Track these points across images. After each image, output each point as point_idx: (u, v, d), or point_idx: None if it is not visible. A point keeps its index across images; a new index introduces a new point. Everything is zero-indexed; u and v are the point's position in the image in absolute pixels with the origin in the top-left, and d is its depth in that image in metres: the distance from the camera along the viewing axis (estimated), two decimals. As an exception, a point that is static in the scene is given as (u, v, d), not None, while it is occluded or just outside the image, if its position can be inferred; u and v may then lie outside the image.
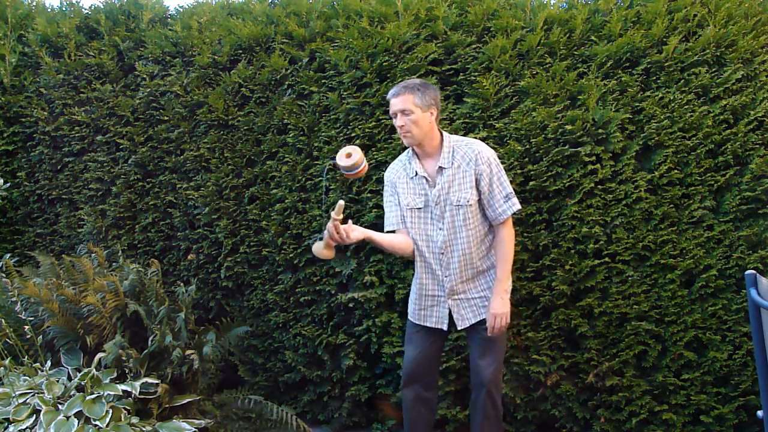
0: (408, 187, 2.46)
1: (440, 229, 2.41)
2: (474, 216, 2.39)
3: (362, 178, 2.30)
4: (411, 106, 2.31)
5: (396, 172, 2.51)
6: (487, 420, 2.45)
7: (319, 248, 2.29)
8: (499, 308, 2.37)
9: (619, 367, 2.87)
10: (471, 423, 2.53)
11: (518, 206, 2.41)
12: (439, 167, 2.39)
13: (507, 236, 2.42)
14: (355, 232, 2.27)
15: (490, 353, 2.43)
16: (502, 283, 2.39)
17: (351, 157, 2.23)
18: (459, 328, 2.48)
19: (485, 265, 2.46)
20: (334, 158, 2.27)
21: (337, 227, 2.20)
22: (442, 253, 2.42)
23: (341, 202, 2.17)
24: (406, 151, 2.51)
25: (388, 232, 2.50)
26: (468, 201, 2.36)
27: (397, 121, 2.35)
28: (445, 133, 2.44)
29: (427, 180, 2.42)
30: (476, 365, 2.45)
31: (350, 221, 2.28)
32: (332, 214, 2.19)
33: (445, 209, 2.39)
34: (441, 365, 2.93)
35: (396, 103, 2.34)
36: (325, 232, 2.24)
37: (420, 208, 2.44)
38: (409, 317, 2.58)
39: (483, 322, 2.43)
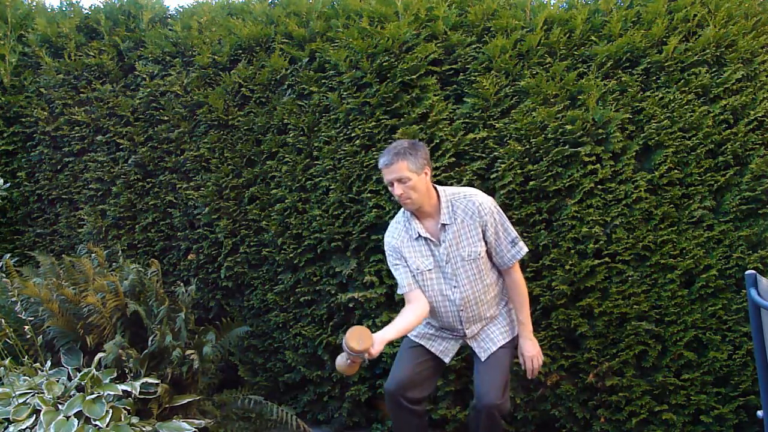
0: (414, 250, 2.40)
1: (455, 286, 2.38)
2: (485, 266, 2.38)
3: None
4: (407, 173, 2.25)
5: (399, 237, 2.42)
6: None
7: (343, 365, 2.20)
8: (532, 350, 2.43)
9: (619, 367, 2.87)
10: (468, 429, 2.50)
11: (526, 250, 2.40)
12: (442, 225, 2.34)
13: (519, 279, 2.42)
14: (377, 347, 2.18)
15: (497, 374, 2.38)
16: (526, 326, 2.42)
17: (360, 344, 2.11)
18: (483, 360, 2.43)
19: (501, 304, 2.49)
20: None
21: (371, 355, 2.14)
22: (462, 310, 2.40)
23: (370, 335, 2.12)
24: (402, 210, 2.44)
25: (401, 294, 2.45)
26: (479, 254, 2.34)
27: (395, 190, 2.29)
28: (439, 188, 2.38)
29: (431, 241, 2.37)
30: (482, 388, 2.37)
31: (373, 336, 2.16)
32: (372, 350, 2.12)
33: (458, 266, 2.36)
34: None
35: (390, 173, 2.28)
36: (347, 357, 2.15)
37: (430, 270, 2.39)
38: (409, 335, 2.50)
39: (500, 346, 2.43)
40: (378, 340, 2.18)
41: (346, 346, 2.12)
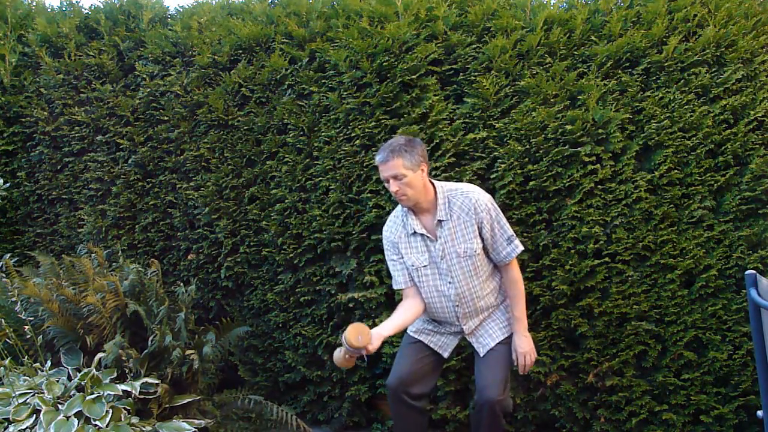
0: (410, 246, 2.41)
1: (450, 282, 2.38)
2: (482, 263, 2.38)
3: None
4: (402, 170, 2.25)
5: (396, 232, 2.44)
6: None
7: (340, 359, 2.26)
8: (525, 347, 2.42)
9: (619, 367, 2.87)
10: (471, 428, 2.51)
11: (521, 248, 2.40)
12: (438, 221, 2.35)
13: (516, 275, 2.42)
14: (375, 343, 2.23)
15: (498, 370, 2.40)
16: (521, 322, 2.41)
17: (359, 339, 2.17)
18: (482, 356, 2.45)
19: (498, 300, 2.48)
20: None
21: (369, 351, 2.19)
22: (458, 306, 2.40)
23: (367, 331, 2.17)
24: (398, 206, 2.45)
25: (397, 290, 2.50)
26: (475, 250, 2.35)
27: (391, 187, 2.30)
28: (436, 184, 2.39)
29: (427, 237, 2.38)
30: (483, 383, 2.39)
31: (371, 332, 2.22)
32: (370, 346, 2.18)
33: (453, 262, 2.36)
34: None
35: (386, 170, 2.28)
36: (344, 351, 2.20)
37: (426, 266, 2.40)
38: (408, 331, 2.54)
39: (499, 342, 2.44)
40: (375, 336, 2.23)
41: (346, 343, 2.16)
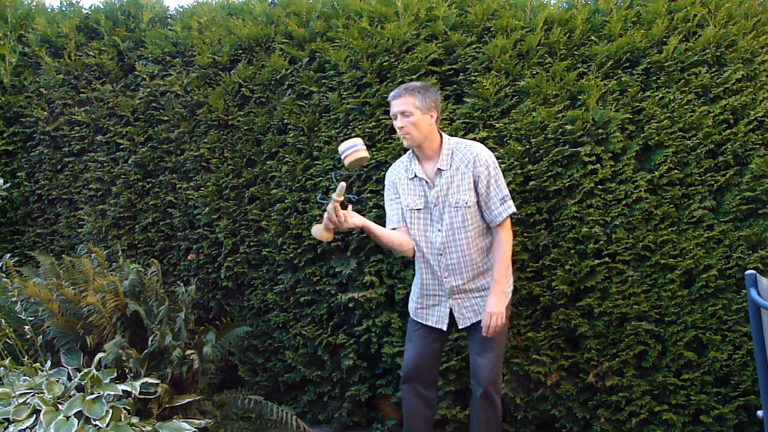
0: (408, 188, 2.48)
1: (439, 230, 2.43)
2: (473, 218, 2.40)
3: (361, 163, 2.32)
4: (411, 108, 2.33)
5: (396, 173, 2.53)
6: (485, 418, 2.45)
7: (318, 230, 2.34)
8: (494, 307, 2.38)
9: (619, 367, 2.87)
10: (470, 422, 2.54)
11: (513, 209, 2.42)
12: (438, 169, 2.41)
13: (504, 238, 2.42)
14: (354, 218, 2.31)
15: (489, 352, 2.43)
16: (499, 283, 2.40)
17: (351, 139, 2.30)
18: (460, 327, 2.49)
19: (485, 266, 2.47)
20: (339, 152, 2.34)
21: (337, 209, 2.23)
22: (441, 254, 2.43)
23: (342, 184, 2.21)
24: (407, 152, 2.52)
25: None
26: (466, 203, 2.38)
27: (397, 123, 2.37)
28: (445, 136, 2.45)
29: (426, 182, 2.44)
30: (475, 364, 2.47)
31: (350, 207, 2.32)
32: (333, 195, 2.22)
33: (444, 211, 2.41)
34: (441, 365, 2.93)
35: (396, 105, 2.36)
36: (325, 213, 2.27)
37: (419, 209, 2.46)
38: (410, 315, 2.60)
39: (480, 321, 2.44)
40: (360, 218, 2.35)
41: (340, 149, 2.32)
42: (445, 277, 2.45)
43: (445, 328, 2.51)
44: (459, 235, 2.41)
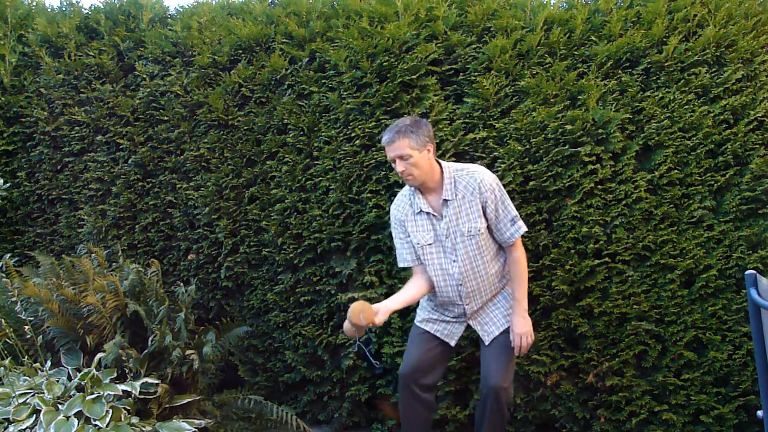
0: (416, 224, 2.44)
1: (454, 261, 2.40)
2: (486, 243, 2.40)
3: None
4: (408, 151, 2.28)
5: (402, 210, 2.48)
6: (491, 422, 2.43)
7: (349, 330, 2.37)
8: (523, 328, 2.41)
9: (619, 367, 2.87)
10: (475, 423, 2.53)
11: (525, 228, 2.42)
12: (444, 200, 2.38)
13: (520, 257, 2.43)
14: (380, 316, 2.28)
15: (503, 360, 2.43)
16: (521, 303, 2.42)
17: (361, 319, 2.25)
18: (487, 344, 2.48)
19: (501, 284, 2.49)
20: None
21: (372, 324, 2.27)
22: (461, 284, 2.42)
23: (365, 316, 2.24)
24: (407, 185, 2.48)
25: (402, 267, 2.54)
26: (479, 230, 2.36)
27: (397, 167, 2.33)
28: (444, 164, 2.41)
29: (433, 215, 2.41)
30: (488, 369, 2.44)
31: (374, 308, 2.29)
32: (377, 320, 2.26)
33: (457, 241, 2.38)
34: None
35: (392, 150, 2.32)
36: (350, 324, 2.30)
37: (431, 244, 2.43)
38: (415, 322, 2.58)
39: (504, 330, 2.46)
40: (383, 310, 2.29)
41: (349, 321, 2.27)
42: (467, 305, 2.45)
43: (453, 344, 2.51)
44: (476, 262, 2.40)
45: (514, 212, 2.40)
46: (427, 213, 2.41)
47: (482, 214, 2.36)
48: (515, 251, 2.43)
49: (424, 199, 2.42)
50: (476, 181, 2.35)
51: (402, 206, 2.48)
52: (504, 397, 2.39)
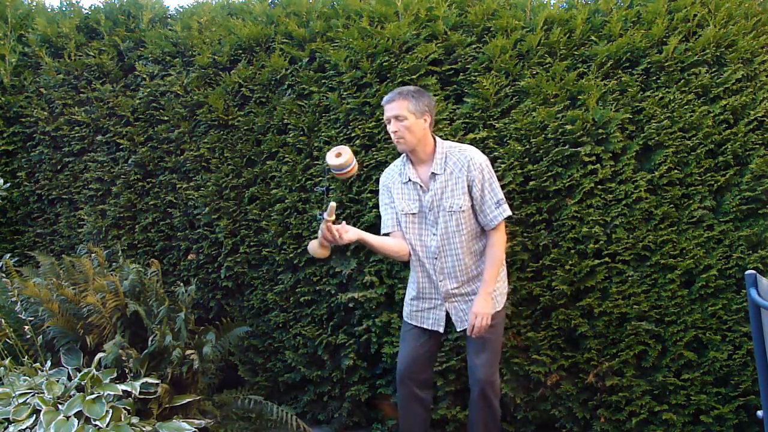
0: (402, 193, 2.48)
1: (434, 234, 2.43)
2: (467, 221, 2.41)
3: (353, 177, 2.31)
4: (405, 112, 2.33)
5: (391, 177, 2.53)
6: (482, 418, 2.46)
7: (314, 247, 2.33)
8: (481, 308, 2.38)
9: (619, 367, 2.87)
10: (469, 422, 2.54)
11: (509, 212, 2.43)
12: (432, 173, 2.41)
13: (497, 241, 2.43)
14: (349, 233, 2.30)
15: (485, 353, 2.44)
16: (488, 284, 2.40)
17: (340, 156, 2.24)
18: (458, 330, 2.49)
19: (478, 269, 2.47)
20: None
21: (330, 228, 2.23)
22: (436, 258, 2.44)
23: (333, 204, 2.20)
24: (402, 156, 2.52)
25: (384, 234, 2.52)
26: (461, 207, 2.38)
27: (391, 127, 2.37)
28: (438, 139, 2.46)
29: (420, 186, 2.44)
30: (471, 365, 2.48)
31: (344, 222, 2.31)
32: (324, 215, 2.21)
33: (439, 215, 2.41)
34: (441, 365, 2.94)
35: (390, 109, 2.36)
36: (319, 231, 2.26)
37: (414, 214, 2.46)
38: (404, 317, 2.60)
39: None
40: (355, 231, 2.33)
41: (328, 161, 2.25)
42: (440, 281, 2.46)
43: (441, 331, 2.51)
44: (453, 239, 2.41)
45: (501, 195, 2.42)
46: (414, 183, 2.44)
47: (467, 192, 2.38)
48: (494, 234, 2.43)
49: (414, 170, 2.46)
50: (466, 159, 2.38)
51: (391, 174, 2.54)
52: (490, 392, 2.42)
